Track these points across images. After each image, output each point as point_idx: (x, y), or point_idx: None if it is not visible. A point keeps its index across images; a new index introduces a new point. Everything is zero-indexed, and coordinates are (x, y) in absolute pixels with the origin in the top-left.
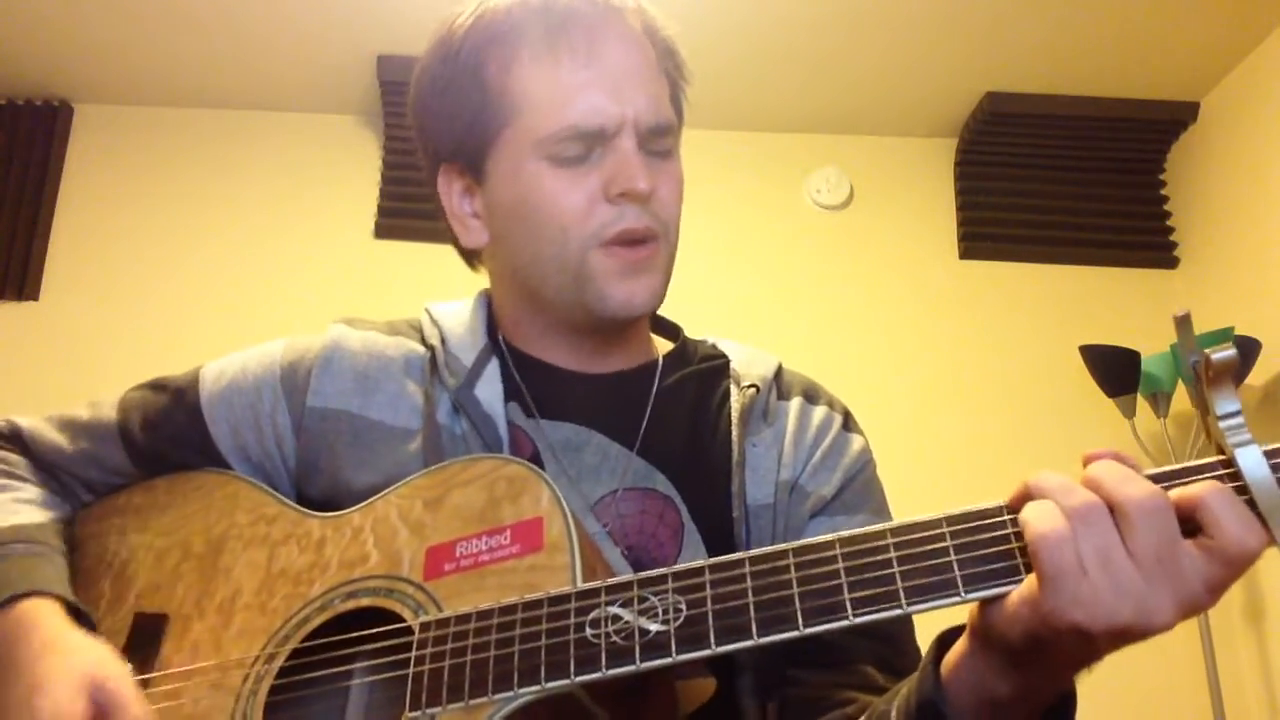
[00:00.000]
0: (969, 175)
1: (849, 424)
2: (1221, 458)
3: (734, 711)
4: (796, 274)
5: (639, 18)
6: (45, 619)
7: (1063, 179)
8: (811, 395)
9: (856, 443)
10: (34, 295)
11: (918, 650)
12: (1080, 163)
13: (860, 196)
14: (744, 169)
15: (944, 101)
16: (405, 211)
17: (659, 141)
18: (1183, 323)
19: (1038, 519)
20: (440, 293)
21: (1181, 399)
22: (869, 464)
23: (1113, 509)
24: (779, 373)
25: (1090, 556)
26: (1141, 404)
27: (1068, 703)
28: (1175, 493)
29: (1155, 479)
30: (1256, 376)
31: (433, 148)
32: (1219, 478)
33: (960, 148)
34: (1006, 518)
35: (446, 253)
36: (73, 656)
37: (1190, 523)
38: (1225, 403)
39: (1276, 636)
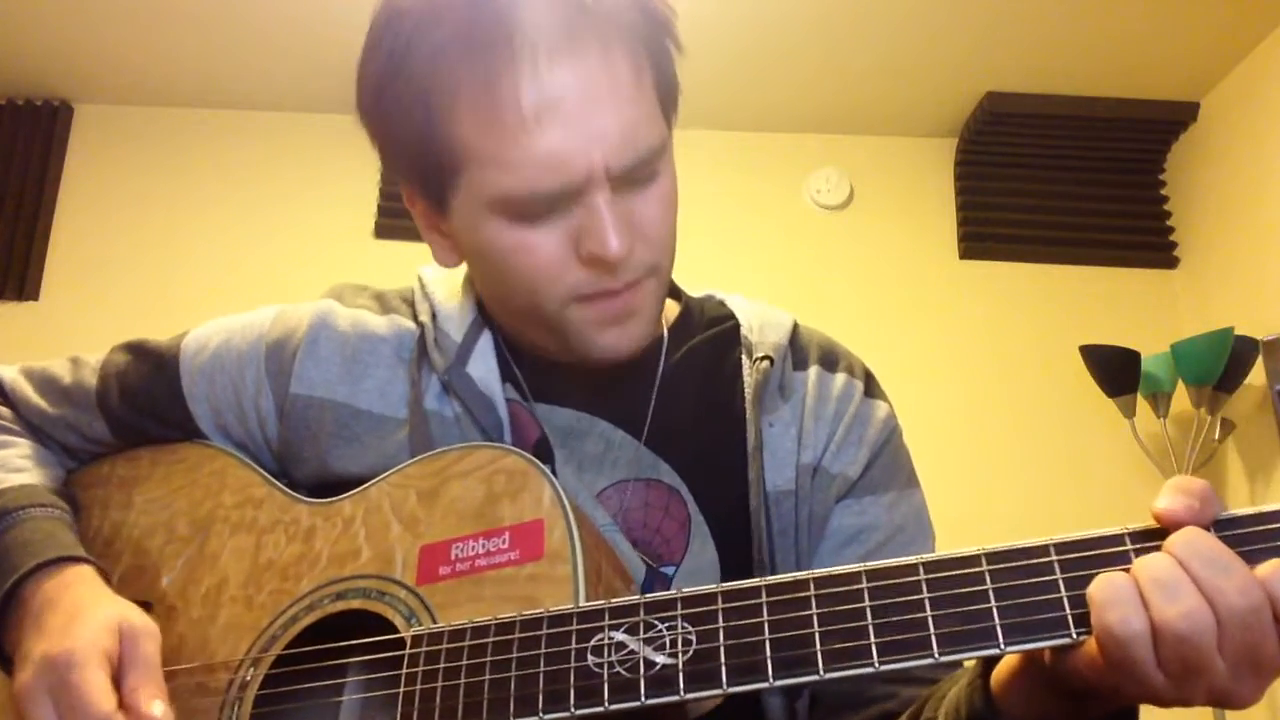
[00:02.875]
0: (969, 175)
1: (870, 389)
2: None
3: (756, 710)
4: (796, 274)
5: (603, 6)
6: (84, 579)
7: (1063, 179)
8: (829, 361)
9: (880, 410)
10: (34, 295)
11: None
12: (1080, 163)
13: (860, 196)
14: (744, 169)
15: (944, 101)
16: (405, 211)
17: (639, 171)
18: (1272, 348)
19: (1118, 621)
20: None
21: (1181, 399)
22: (894, 432)
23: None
24: (794, 337)
25: (1173, 665)
26: (1141, 404)
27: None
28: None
29: (1230, 523)
30: (1257, 376)
31: (389, 159)
32: None
33: (960, 148)
34: (1055, 559)
35: None
36: (112, 606)
37: None
38: None
39: None
